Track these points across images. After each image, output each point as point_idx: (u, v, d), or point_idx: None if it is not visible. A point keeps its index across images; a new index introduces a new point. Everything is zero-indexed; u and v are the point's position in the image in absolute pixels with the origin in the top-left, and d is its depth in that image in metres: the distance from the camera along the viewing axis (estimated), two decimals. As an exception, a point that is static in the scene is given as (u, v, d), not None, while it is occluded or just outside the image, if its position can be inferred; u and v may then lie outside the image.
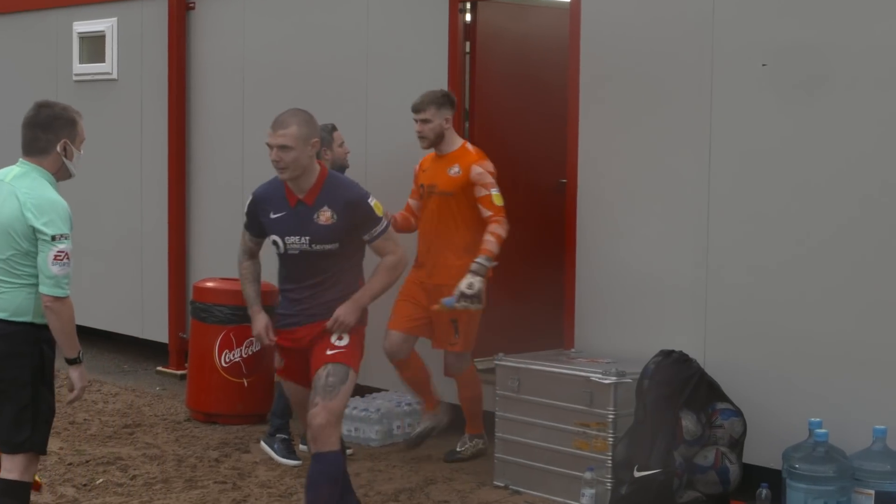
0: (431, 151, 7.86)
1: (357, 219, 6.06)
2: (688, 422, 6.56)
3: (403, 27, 8.88)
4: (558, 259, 8.05)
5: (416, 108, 7.76)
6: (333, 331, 6.04)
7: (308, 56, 9.57)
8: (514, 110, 8.92)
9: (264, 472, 7.68)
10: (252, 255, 6.46)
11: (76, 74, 11.56)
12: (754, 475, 6.73)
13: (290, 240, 6.11)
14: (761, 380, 6.94)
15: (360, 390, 8.90)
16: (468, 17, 8.64)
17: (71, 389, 5.59)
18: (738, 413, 6.72)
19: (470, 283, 7.30)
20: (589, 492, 6.89)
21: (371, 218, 6.09)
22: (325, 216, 6.03)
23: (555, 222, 8.32)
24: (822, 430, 6.28)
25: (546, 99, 8.77)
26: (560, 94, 8.09)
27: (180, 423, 8.94)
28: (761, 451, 6.81)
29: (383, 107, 8.94)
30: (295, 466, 7.81)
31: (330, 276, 6.13)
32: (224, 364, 8.91)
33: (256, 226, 6.32)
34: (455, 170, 7.64)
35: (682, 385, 6.61)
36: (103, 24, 11.27)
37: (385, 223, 6.13)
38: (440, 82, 8.51)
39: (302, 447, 7.92)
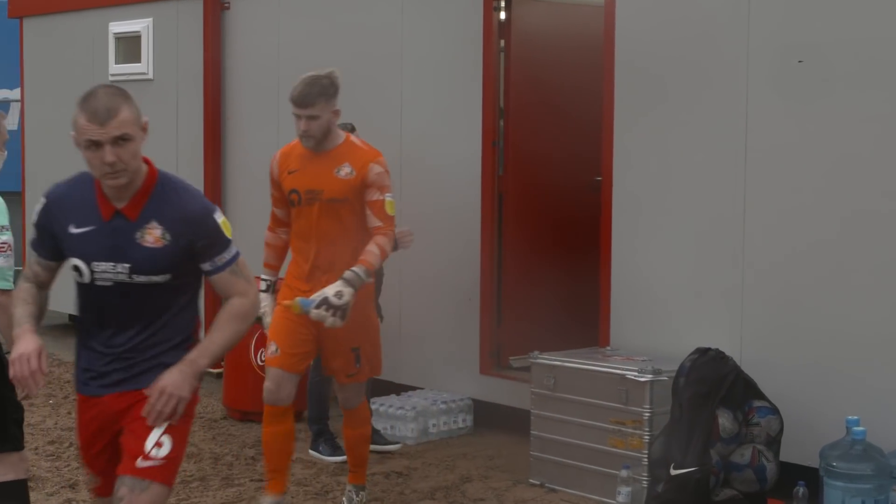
0: (292, 146, 6.61)
1: (197, 241, 4.39)
2: (724, 419, 6.54)
3: (438, 26, 8.88)
4: (593, 256, 8.04)
5: (302, 102, 6.38)
6: (154, 412, 4.24)
7: (343, 55, 9.58)
8: (548, 108, 8.91)
9: (300, 471, 7.70)
10: (41, 285, 4.56)
11: (112, 75, 11.61)
12: (791, 473, 6.71)
13: (100, 266, 4.39)
14: (798, 377, 6.91)
15: (396, 388, 8.92)
16: (503, 15, 8.63)
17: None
18: (774, 411, 6.69)
19: (339, 291, 6.11)
20: (625, 490, 6.88)
21: (217, 241, 4.42)
22: (152, 235, 4.38)
23: (590, 220, 8.31)
24: (860, 428, 6.25)
25: (581, 97, 8.75)
26: (595, 92, 8.08)
27: (217, 422, 8.98)
28: (798, 449, 6.78)
29: (418, 106, 8.95)
30: (344, 462, 7.86)
31: (156, 321, 4.44)
32: (260, 362, 8.92)
33: (48, 243, 4.52)
34: (346, 170, 6.37)
35: (718, 383, 6.59)
36: (139, 25, 11.32)
37: (235, 251, 4.45)
38: (475, 80, 8.52)
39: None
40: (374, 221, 6.33)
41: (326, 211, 6.39)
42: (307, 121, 6.36)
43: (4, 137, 5.54)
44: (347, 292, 6.11)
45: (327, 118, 6.39)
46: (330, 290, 6.12)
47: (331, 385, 8.06)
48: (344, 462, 7.81)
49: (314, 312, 6.10)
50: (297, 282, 6.46)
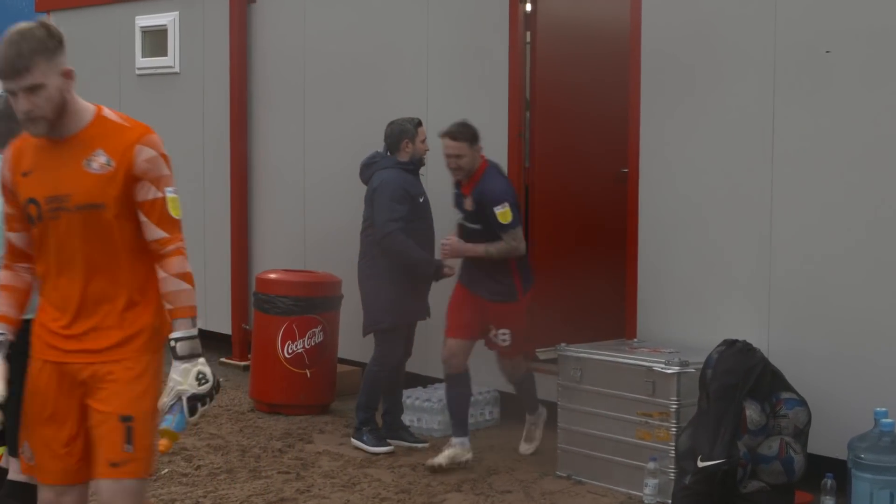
0: (25, 136, 4.47)
1: None
2: (752, 411, 6.52)
3: (464, 17, 8.87)
4: (620, 248, 8.03)
5: (11, 71, 4.20)
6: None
7: (368, 48, 9.59)
8: (575, 100, 8.89)
9: (327, 463, 7.71)
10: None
11: (139, 68, 11.65)
12: (819, 465, 6.68)
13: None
14: (826, 369, 6.89)
15: (423, 381, 8.93)
16: (528, 6, 8.62)
17: None
18: (802, 403, 6.67)
19: (200, 373, 4.38)
20: (652, 482, 6.87)
21: None
22: None
23: (617, 212, 8.29)
24: (888, 420, 6.22)
25: (607, 89, 8.74)
26: (621, 84, 8.06)
27: (244, 414, 9.00)
28: (826, 441, 6.76)
29: (444, 98, 8.94)
30: (388, 453, 7.88)
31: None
32: (287, 355, 8.95)
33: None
34: (99, 160, 4.32)
35: (745, 374, 6.56)
36: (165, 18, 11.35)
37: None
38: (501, 72, 8.51)
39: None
40: (155, 232, 4.34)
41: (80, 225, 4.31)
42: (26, 95, 4.21)
43: None
44: (207, 368, 4.42)
45: (57, 85, 4.25)
46: (187, 383, 4.34)
47: (387, 376, 8.08)
48: (388, 453, 7.85)
49: (192, 419, 4.41)
50: (54, 337, 4.40)
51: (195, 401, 4.36)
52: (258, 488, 7.16)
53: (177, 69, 11.31)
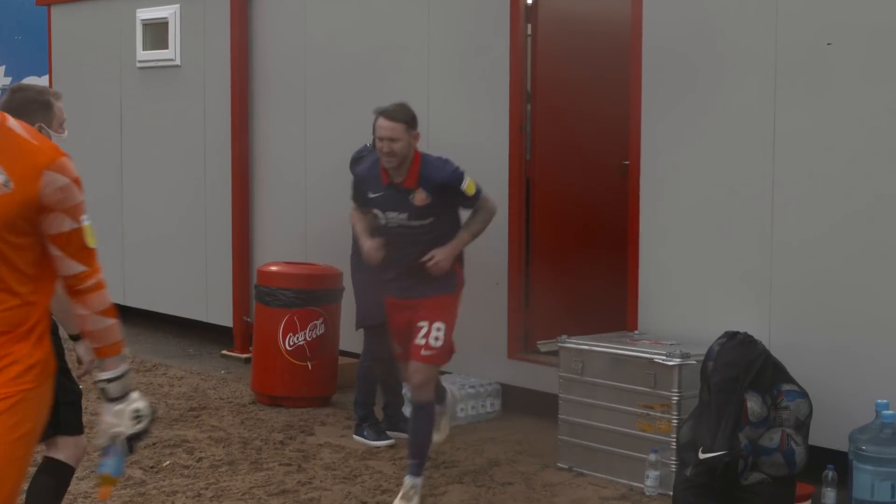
0: None
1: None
2: (753, 403, 6.52)
3: (464, 12, 8.87)
4: (621, 240, 8.04)
5: None
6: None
7: (369, 41, 9.59)
8: (576, 93, 8.90)
9: (329, 455, 7.72)
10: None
11: (140, 61, 11.64)
12: (820, 457, 6.69)
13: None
14: (827, 361, 6.90)
15: (424, 373, 8.93)
16: (529, 0, 8.62)
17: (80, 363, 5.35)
18: (803, 394, 6.67)
19: (135, 411, 4.02)
20: (653, 474, 6.88)
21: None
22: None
23: (618, 204, 8.30)
24: (890, 412, 6.24)
25: (608, 83, 8.74)
26: (623, 78, 8.06)
27: (245, 406, 9.01)
28: (827, 433, 6.76)
29: (445, 92, 8.94)
30: (390, 446, 7.91)
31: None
32: (288, 347, 8.96)
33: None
34: None
35: (747, 367, 6.57)
36: (166, 11, 11.34)
37: None
38: (502, 66, 8.52)
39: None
40: (72, 266, 3.85)
41: None
42: None
43: (63, 118, 5.38)
44: (143, 403, 4.06)
45: None
46: (116, 424, 4.01)
47: (378, 371, 8.09)
48: (388, 446, 7.86)
49: (130, 457, 4.21)
50: None
51: (133, 440, 4.06)
52: (259, 480, 7.18)
53: (178, 62, 11.30)
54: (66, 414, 5.40)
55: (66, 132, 5.24)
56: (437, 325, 6.74)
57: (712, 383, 6.56)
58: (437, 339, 6.73)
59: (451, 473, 7.34)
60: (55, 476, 5.46)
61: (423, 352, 6.73)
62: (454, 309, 6.92)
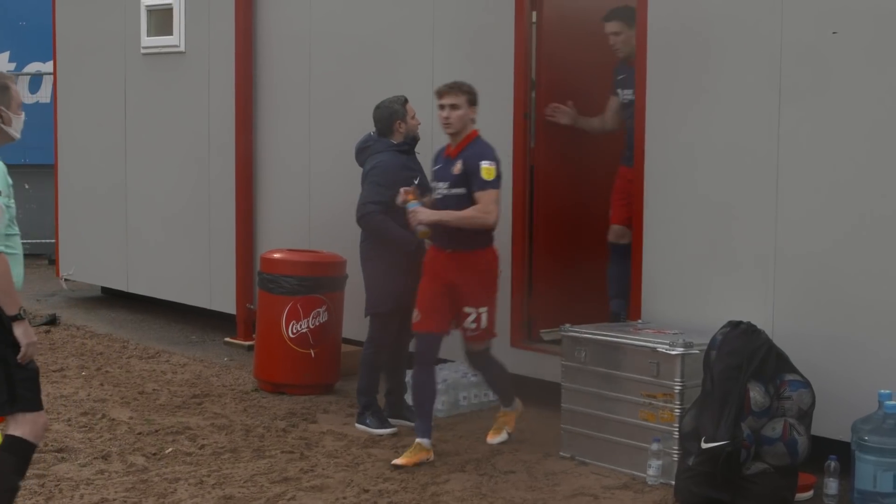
0: None
1: None
2: (756, 393, 6.52)
3: (469, -3, 8.87)
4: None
5: None
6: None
7: (374, 27, 9.57)
8: (581, 81, 8.87)
9: (331, 442, 7.72)
10: None
11: (144, 47, 11.62)
12: (823, 447, 6.68)
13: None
14: (830, 351, 6.88)
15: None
16: (534, -14, 8.60)
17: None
18: (806, 384, 6.67)
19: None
20: (655, 463, 6.88)
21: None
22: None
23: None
24: (892, 402, 6.23)
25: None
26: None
27: (248, 394, 9.01)
28: (830, 423, 6.75)
29: (450, 78, 8.90)
30: (392, 434, 7.91)
31: None
32: (291, 335, 8.95)
33: None
34: None
35: (750, 356, 6.56)
36: (171, -3, 11.33)
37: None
38: (507, 53, 8.49)
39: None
40: None
41: None
42: None
43: (20, 100, 5.66)
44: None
45: None
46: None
47: (383, 359, 8.09)
48: (391, 435, 7.85)
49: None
50: None
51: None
52: (262, 468, 7.17)
53: (182, 48, 11.28)
54: (23, 391, 5.43)
55: (23, 114, 5.53)
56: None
57: (715, 372, 6.55)
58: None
59: (454, 462, 7.33)
60: (16, 453, 5.49)
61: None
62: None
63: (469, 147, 7.40)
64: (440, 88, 7.49)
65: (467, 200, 7.32)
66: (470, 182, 7.31)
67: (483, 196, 7.25)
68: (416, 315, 7.45)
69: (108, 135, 11.96)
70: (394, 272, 7.95)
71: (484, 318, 7.45)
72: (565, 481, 7.02)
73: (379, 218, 7.88)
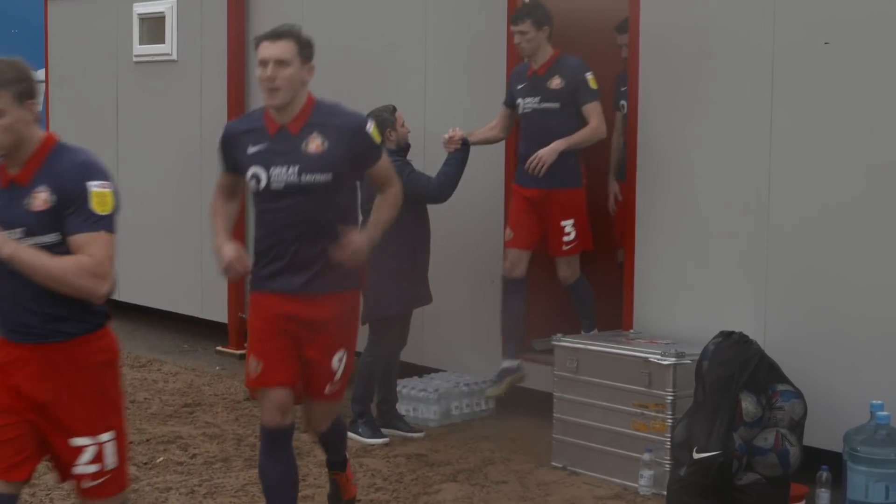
0: None
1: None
2: (747, 403, 6.52)
3: (462, 4, 8.85)
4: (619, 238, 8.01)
5: None
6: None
7: (367, 34, 9.57)
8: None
9: (321, 452, 7.69)
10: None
11: (136, 55, 11.62)
12: (815, 458, 6.68)
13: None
14: (822, 361, 6.88)
15: (418, 370, 8.92)
16: (527, -6, 8.59)
17: None
18: (798, 395, 6.67)
19: None
20: (647, 473, 6.87)
21: None
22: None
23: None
24: (884, 413, 6.22)
25: (606, 75, 8.69)
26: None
27: (239, 403, 8.99)
28: (822, 434, 6.75)
29: (442, 83, 8.93)
30: (383, 444, 7.89)
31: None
32: (283, 344, 8.91)
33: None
34: None
35: (741, 366, 6.56)
36: (163, 6, 11.32)
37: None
38: (499, 59, 8.49)
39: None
40: None
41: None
42: None
43: None
44: None
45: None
46: None
47: (380, 367, 8.08)
48: (382, 444, 7.85)
49: None
50: None
51: None
52: (253, 477, 7.15)
53: (174, 57, 11.28)
54: None
55: None
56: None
57: (707, 383, 6.55)
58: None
59: (446, 471, 7.33)
60: None
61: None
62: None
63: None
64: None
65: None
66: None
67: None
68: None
69: (99, 143, 11.93)
70: (401, 277, 7.95)
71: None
72: (557, 491, 7.02)
73: (438, 179, 8.00)
